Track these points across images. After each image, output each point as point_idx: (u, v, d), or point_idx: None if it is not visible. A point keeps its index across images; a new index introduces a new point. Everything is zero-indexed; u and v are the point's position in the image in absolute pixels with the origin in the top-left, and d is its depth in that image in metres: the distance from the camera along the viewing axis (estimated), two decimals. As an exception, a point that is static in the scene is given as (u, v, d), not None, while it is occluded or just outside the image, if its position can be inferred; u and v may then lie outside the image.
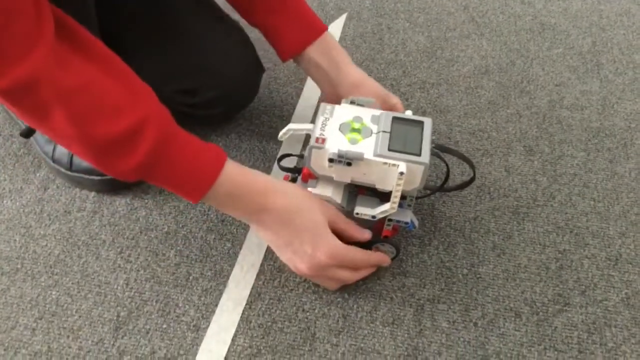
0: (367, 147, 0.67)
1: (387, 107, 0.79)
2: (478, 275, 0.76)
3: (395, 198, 0.68)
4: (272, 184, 0.68)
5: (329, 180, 0.71)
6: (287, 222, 0.67)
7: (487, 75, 1.04)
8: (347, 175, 0.69)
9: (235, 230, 0.80)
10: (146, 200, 0.83)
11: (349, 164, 0.67)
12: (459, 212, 0.83)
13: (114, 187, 0.83)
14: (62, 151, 0.83)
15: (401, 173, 0.65)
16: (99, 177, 0.81)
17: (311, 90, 1.01)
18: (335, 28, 1.14)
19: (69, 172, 0.83)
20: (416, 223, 0.74)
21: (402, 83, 1.03)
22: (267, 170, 0.88)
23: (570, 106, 0.99)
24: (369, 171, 0.68)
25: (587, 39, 1.13)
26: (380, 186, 0.69)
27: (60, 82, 0.55)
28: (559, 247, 0.79)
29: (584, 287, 0.76)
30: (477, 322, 0.72)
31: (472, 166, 0.72)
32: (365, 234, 0.72)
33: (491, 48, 1.10)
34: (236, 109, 0.94)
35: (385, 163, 0.66)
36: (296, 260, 0.69)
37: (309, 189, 0.71)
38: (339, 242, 0.69)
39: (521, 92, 1.01)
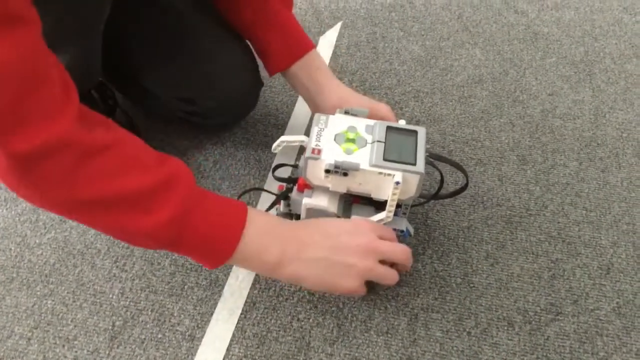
0: (362, 157, 0.68)
1: (377, 118, 0.79)
2: (471, 285, 0.77)
3: (391, 207, 0.68)
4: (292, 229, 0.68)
5: (324, 190, 0.71)
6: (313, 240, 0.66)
7: (480, 84, 1.05)
8: (343, 185, 0.70)
9: (230, 239, 0.81)
10: (142, 209, 0.83)
11: (345, 174, 0.68)
12: (452, 222, 0.84)
13: None
14: None
15: (397, 183, 0.66)
16: None
17: (306, 99, 1.01)
18: (330, 36, 1.15)
19: None
20: (411, 231, 0.75)
21: (396, 92, 1.03)
22: (262, 179, 0.88)
23: (563, 115, 1.00)
24: (364, 181, 0.68)
25: (580, 49, 1.14)
26: (376, 195, 0.70)
27: (88, 143, 0.54)
28: (552, 257, 0.80)
29: (576, 296, 0.76)
30: (470, 331, 0.73)
31: (465, 173, 0.73)
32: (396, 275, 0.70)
33: (485, 57, 1.11)
34: (233, 120, 0.95)
35: (381, 173, 0.67)
36: (344, 266, 0.66)
37: (305, 198, 0.71)
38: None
39: (514, 102, 1.02)
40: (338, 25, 1.18)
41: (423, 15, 1.20)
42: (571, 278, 0.78)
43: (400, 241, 0.80)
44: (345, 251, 0.65)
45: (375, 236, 0.67)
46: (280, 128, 0.96)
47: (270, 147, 0.81)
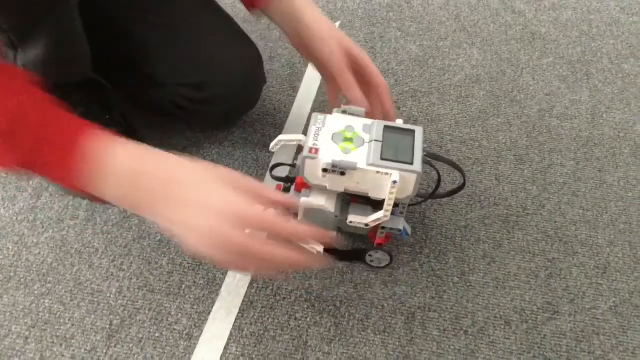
0: (360, 157, 0.68)
1: (356, 68, 0.77)
2: (469, 284, 0.77)
3: (388, 206, 0.68)
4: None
5: (322, 189, 0.71)
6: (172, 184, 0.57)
7: (478, 84, 1.05)
8: (340, 184, 0.70)
9: (228, 238, 0.81)
10: (139, 209, 0.84)
11: (343, 174, 0.68)
12: (450, 221, 0.84)
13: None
14: None
15: (394, 182, 0.66)
16: None
17: (304, 99, 1.01)
18: (328, 36, 1.15)
19: None
20: (409, 230, 0.75)
21: (394, 92, 1.03)
22: (260, 179, 0.88)
23: (560, 115, 1.00)
24: (362, 180, 0.68)
25: (577, 49, 1.14)
26: (374, 195, 0.70)
27: None
28: (549, 256, 0.80)
29: (572, 295, 0.76)
30: (467, 330, 0.73)
31: (462, 173, 0.74)
32: (288, 200, 0.61)
33: (482, 57, 1.11)
34: (235, 112, 0.95)
35: (379, 172, 0.67)
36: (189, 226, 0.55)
37: (303, 198, 0.72)
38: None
39: (512, 102, 1.02)
40: (336, 25, 1.18)
41: (421, 16, 1.20)
42: (568, 277, 0.78)
43: (398, 240, 0.80)
44: (201, 210, 0.55)
45: (238, 196, 0.55)
46: (278, 128, 0.96)
47: (268, 146, 0.81)
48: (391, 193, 0.67)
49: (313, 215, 0.73)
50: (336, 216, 0.73)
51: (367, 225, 0.71)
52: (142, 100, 0.94)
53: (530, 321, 0.74)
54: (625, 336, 0.73)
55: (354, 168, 0.67)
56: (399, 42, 1.14)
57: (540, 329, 0.73)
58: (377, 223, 0.71)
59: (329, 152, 0.68)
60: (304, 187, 0.72)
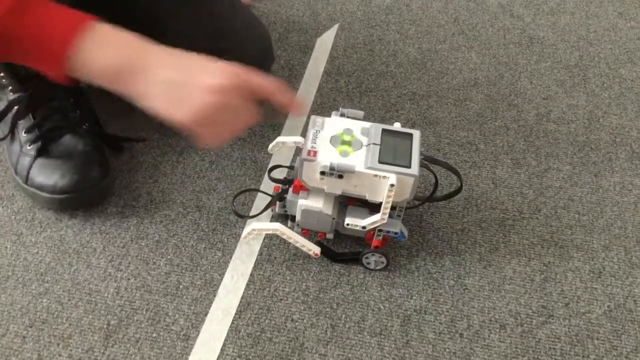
0: (358, 160, 0.68)
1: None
2: (464, 287, 0.78)
3: (386, 209, 0.69)
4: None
5: (320, 192, 0.72)
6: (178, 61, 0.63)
7: (476, 87, 1.06)
8: (338, 187, 0.70)
9: (226, 239, 0.81)
10: (137, 209, 0.84)
11: (341, 177, 0.68)
12: (446, 224, 0.84)
13: (62, 206, 0.82)
14: (23, 164, 0.82)
15: (392, 185, 0.66)
16: (48, 195, 0.80)
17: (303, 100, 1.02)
18: (327, 38, 1.15)
19: (25, 185, 0.82)
20: (405, 233, 0.75)
21: (392, 94, 1.04)
22: (258, 180, 0.89)
23: (557, 120, 1.01)
24: (360, 183, 0.69)
25: (575, 53, 1.15)
26: (371, 198, 0.70)
27: None
28: (544, 260, 0.81)
29: (567, 299, 0.77)
30: (462, 333, 0.73)
31: (459, 176, 0.74)
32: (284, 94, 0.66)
33: (480, 61, 1.11)
34: None
35: (376, 175, 0.67)
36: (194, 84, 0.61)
37: (300, 200, 0.72)
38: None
39: (509, 105, 1.03)
40: (335, 27, 1.18)
41: (420, 18, 1.21)
42: (563, 281, 0.79)
43: (395, 243, 0.81)
44: (198, 70, 0.62)
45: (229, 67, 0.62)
46: (277, 129, 0.97)
47: (267, 147, 0.81)
48: (388, 196, 0.67)
49: (310, 217, 0.73)
50: (333, 219, 0.74)
51: (364, 227, 0.72)
52: None
53: (525, 325, 0.74)
54: (619, 340, 0.73)
55: (352, 171, 0.67)
56: (398, 45, 1.14)
57: (534, 332, 0.74)
58: (374, 226, 0.72)
59: (327, 155, 0.69)
60: (302, 189, 0.72)
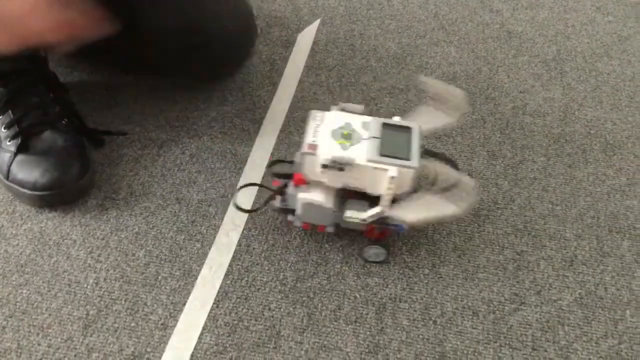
0: (358, 153, 0.70)
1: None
2: (439, 275, 0.79)
3: (386, 201, 0.70)
4: None
5: (320, 185, 0.73)
6: None
7: (454, 81, 1.07)
8: (339, 180, 0.71)
9: (205, 230, 0.82)
10: (117, 201, 0.85)
11: (341, 170, 0.69)
12: (422, 215, 0.86)
13: (43, 203, 0.82)
14: (3, 160, 0.83)
15: (392, 177, 0.68)
16: (29, 192, 0.81)
17: (283, 94, 1.03)
18: (309, 33, 1.16)
19: (6, 181, 0.82)
20: (405, 225, 0.76)
21: (372, 88, 1.05)
22: (238, 172, 0.90)
23: (533, 112, 1.03)
24: (361, 176, 0.70)
25: (552, 47, 1.16)
26: (372, 190, 0.72)
27: None
28: (517, 249, 0.83)
29: (539, 287, 0.79)
30: (436, 320, 0.75)
31: (455, 167, 0.76)
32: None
33: (459, 55, 1.13)
34: (231, 58, 0.97)
35: (377, 168, 0.69)
36: None
37: (301, 193, 0.73)
38: None
39: (486, 99, 1.05)
40: (317, 23, 1.19)
41: (400, 14, 1.22)
42: (535, 269, 0.80)
43: (396, 235, 0.82)
44: None
45: None
46: (257, 123, 0.98)
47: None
48: (389, 188, 0.69)
49: (311, 210, 0.75)
50: (334, 211, 0.75)
51: (364, 220, 0.73)
52: (134, 63, 0.94)
53: (497, 311, 0.76)
54: (589, 327, 0.75)
55: (352, 164, 0.69)
56: (379, 40, 1.16)
57: (506, 319, 0.75)
58: (374, 218, 0.73)
59: (328, 149, 0.70)
60: (303, 182, 0.74)
